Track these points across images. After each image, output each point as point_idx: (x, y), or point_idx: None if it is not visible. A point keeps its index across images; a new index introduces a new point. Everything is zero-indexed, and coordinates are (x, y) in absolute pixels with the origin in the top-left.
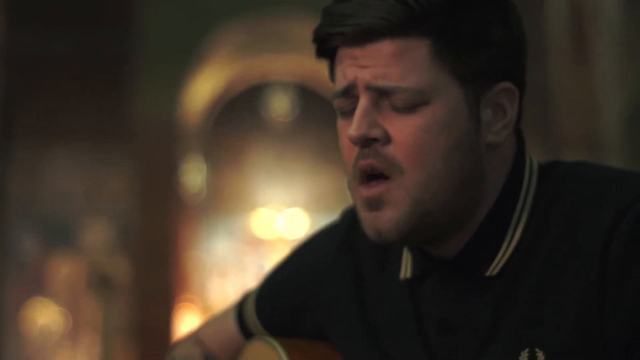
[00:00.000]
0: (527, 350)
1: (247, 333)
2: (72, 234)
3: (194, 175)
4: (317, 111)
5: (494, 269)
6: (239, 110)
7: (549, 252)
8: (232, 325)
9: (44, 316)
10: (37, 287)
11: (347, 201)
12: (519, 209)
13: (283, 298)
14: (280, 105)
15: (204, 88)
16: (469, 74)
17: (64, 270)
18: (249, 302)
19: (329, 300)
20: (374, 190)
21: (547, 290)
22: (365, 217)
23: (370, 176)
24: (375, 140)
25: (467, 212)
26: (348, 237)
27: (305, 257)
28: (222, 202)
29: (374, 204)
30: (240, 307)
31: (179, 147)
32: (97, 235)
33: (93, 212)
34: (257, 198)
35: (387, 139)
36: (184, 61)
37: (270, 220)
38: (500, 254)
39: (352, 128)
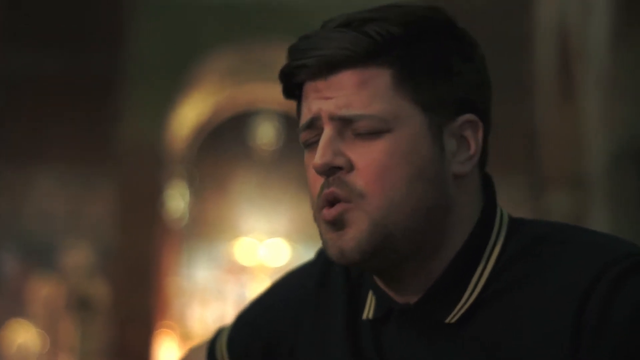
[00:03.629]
0: None
1: None
2: (53, 255)
3: (176, 200)
4: None
5: (454, 316)
6: (224, 137)
7: (516, 309)
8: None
9: (22, 337)
10: (17, 307)
11: None
12: (485, 257)
13: (255, 333)
14: (265, 133)
15: (190, 114)
16: (431, 103)
17: (44, 291)
18: (222, 338)
19: (301, 339)
20: (335, 210)
21: (514, 347)
22: (329, 238)
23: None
24: (339, 168)
25: (431, 245)
26: (323, 275)
27: (280, 294)
28: (204, 229)
29: (337, 224)
30: (212, 344)
31: (163, 172)
32: (78, 257)
33: (75, 234)
34: (240, 226)
35: (350, 167)
36: (171, 86)
37: (252, 249)
38: (461, 302)
39: (316, 157)
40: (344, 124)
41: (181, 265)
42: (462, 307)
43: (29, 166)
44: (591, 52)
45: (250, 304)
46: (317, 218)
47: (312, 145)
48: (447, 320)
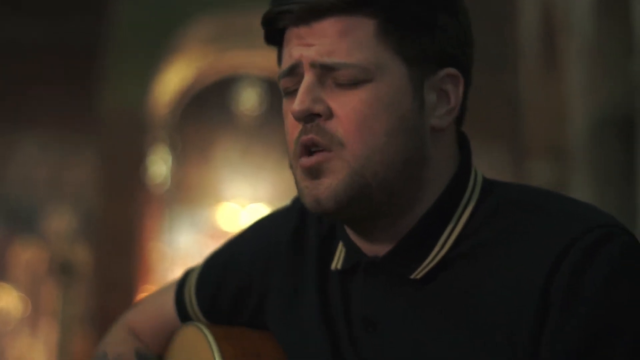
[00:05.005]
0: None
1: (184, 316)
2: (35, 220)
3: (159, 166)
4: None
5: (420, 272)
6: (207, 103)
7: (483, 272)
8: (169, 307)
9: (4, 301)
10: None
11: None
12: (455, 217)
13: (225, 279)
14: (248, 99)
15: (172, 80)
16: (414, 55)
17: (26, 255)
18: (190, 282)
19: (272, 284)
20: (314, 158)
21: (480, 310)
22: (305, 186)
23: (311, 151)
24: (318, 115)
25: (406, 199)
26: (299, 228)
27: (252, 240)
28: (186, 195)
29: (314, 173)
30: (180, 287)
31: (145, 137)
32: (60, 222)
33: (57, 200)
34: (222, 191)
35: (329, 114)
36: (154, 52)
37: (234, 215)
38: (428, 259)
39: (295, 103)
40: (325, 71)
41: (163, 231)
42: (428, 264)
43: (11, 132)
44: (575, 22)
45: (220, 248)
46: (293, 166)
47: (292, 93)
48: (412, 276)
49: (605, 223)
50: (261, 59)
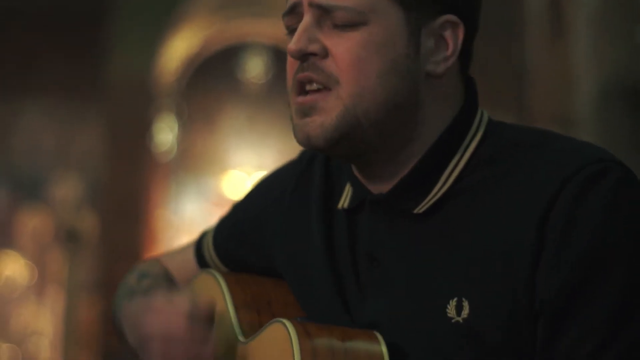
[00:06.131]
0: (455, 299)
1: (203, 264)
2: (41, 188)
3: (165, 134)
4: None
5: (423, 207)
6: (214, 71)
7: (484, 207)
8: (191, 259)
9: (10, 268)
10: (5, 239)
11: None
12: (459, 153)
13: (239, 234)
14: (254, 67)
15: (179, 47)
16: (410, 1)
17: (32, 223)
18: (208, 238)
19: (281, 231)
20: (309, 97)
21: (479, 243)
22: (297, 123)
23: (306, 90)
24: (313, 55)
25: (399, 139)
26: (304, 175)
27: (262, 194)
28: (192, 163)
29: (307, 111)
30: (199, 243)
31: (151, 105)
32: (66, 190)
33: (63, 167)
34: (228, 159)
35: (325, 54)
36: (160, 20)
37: (240, 183)
38: (431, 194)
39: (291, 42)
40: (323, 13)
41: (169, 199)
42: (431, 199)
43: (17, 100)
44: None
45: (234, 204)
46: (290, 102)
47: (293, 31)
48: (415, 211)
49: (602, 158)
50: (267, 27)
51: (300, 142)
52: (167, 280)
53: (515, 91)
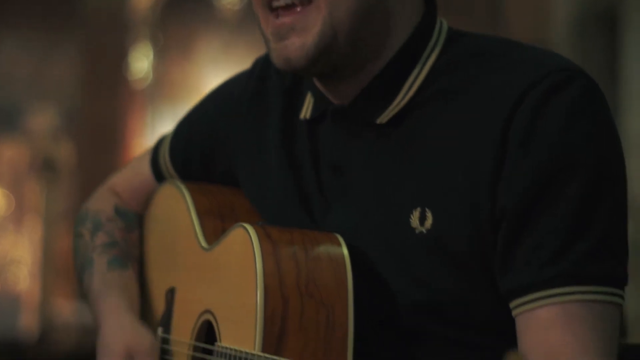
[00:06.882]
0: (418, 209)
1: (160, 178)
2: (17, 118)
3: (141, 62)
4: None
5: (384, 117)
6: None
7: (447, 115)
8: (146, 170)
9: None
10: None
11: None
12: (420, 62)
13: (195, 141)
14: None
15: None
16: None
17: (8, 153)
18: (164, 146)
19: (239, 141)
20: (287, 19)
21: (441, 153)
22: (275, 47)
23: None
24: None
25: (371, 48)
26: (258, 82)
27: (218, 101)
28: (168, 91)
29: (284, 33)
30: (155, 151)
31: (127, 33)
32: (42, 119)
33: (39, 97)
34: (204, 87)
35: None
36: None
37: None
38: (393, 104)
39: None
40: None
41: (146, 126)
42: (393, 108)
43: None
44: None
45: (188, 112)
46: (262, 25)
47: None
48: (378, 121)
49: (565, 67)
50: None
51: (279, 66)
52: (119, 229)
53: (490, 15)
